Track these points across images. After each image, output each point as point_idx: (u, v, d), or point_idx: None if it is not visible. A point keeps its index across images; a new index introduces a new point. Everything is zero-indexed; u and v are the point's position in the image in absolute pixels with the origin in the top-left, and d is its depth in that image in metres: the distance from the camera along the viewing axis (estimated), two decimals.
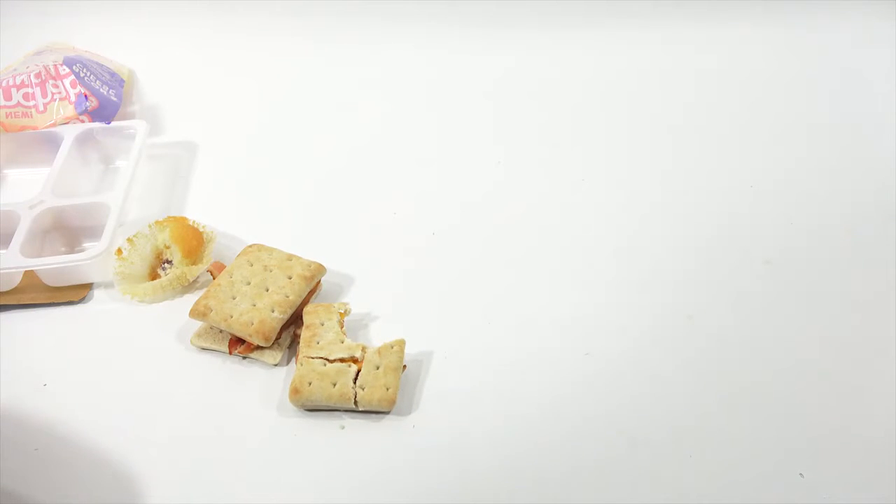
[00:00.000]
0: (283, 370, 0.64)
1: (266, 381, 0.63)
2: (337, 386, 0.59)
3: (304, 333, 0.63)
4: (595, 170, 0.81)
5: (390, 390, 0.59)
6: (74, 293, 0.70)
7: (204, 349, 0.65)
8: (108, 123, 0.83)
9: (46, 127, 0.83)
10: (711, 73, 0.93)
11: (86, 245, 0.75)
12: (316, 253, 0.69)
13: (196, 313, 0.64)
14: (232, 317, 0.63)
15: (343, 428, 0.60)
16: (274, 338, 0.63)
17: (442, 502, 0.55)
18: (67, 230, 0.75)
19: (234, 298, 0.65)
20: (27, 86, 0.84)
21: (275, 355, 0.64)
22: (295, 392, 0.59)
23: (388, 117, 0.90)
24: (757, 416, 0.59)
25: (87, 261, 0.68)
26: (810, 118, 0.86)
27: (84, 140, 0.82)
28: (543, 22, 0.97)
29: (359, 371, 0.60)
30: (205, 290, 0.66)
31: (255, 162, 0.84)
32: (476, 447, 0.58)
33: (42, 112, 0.84)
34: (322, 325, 0.63)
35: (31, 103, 0.83)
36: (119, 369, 0.64)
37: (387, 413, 0.60)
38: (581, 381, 0.62)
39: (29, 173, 0.82)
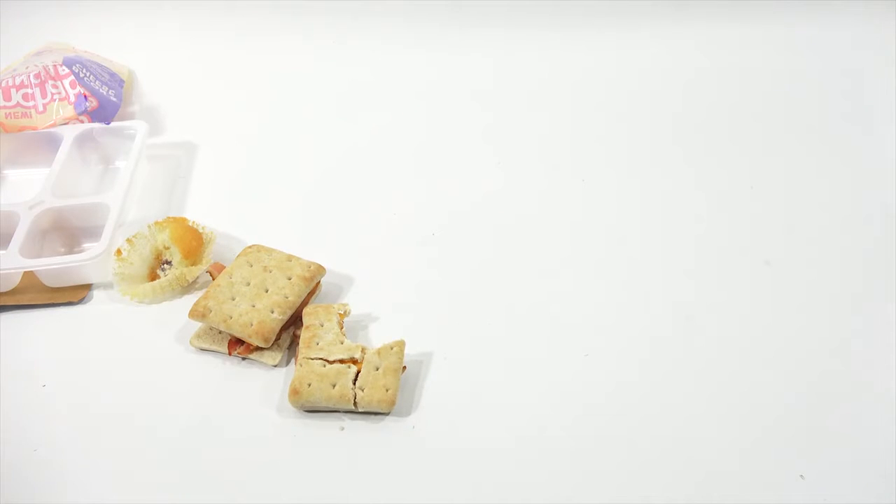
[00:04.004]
0: (282, 371, 0.64)
1: (265, 382, 0.63)
2: (336, 387, 0.59)
3: (304, 334, 0.63)
4: (595, 170, 0.81)
5: (390, 391, 0.59)
6: (74, 294, 0.70)
7: (203, 350, 0.65)
8: (108, 124, 0.83)
9: (46, 127, 0.83)
10: (711, 73, 0.92)
11: (85, 245, 0.75)
12: (316, 253, 0.69)
13: (195, 314, 0.64)
14: (231, 318, 0.63)
15: (343, 429, 0.60)
16: (273, 339, 0.63)
17: (441, 503, 0.55)
18: (67, 230, 0.75)
19: (233, 299, 0.64)
20: (27, 86, 0.83)
21: (274, 356, 0.64)
22: (294, 393, 0.59)
23: (388, 118, 0.90)
24: (757, 417, 0.59)
25: (86, 261, 0.68)
26: (810, 118, 0.86)
27: (84, 140, 0.82)
28: (545, 22, 0.97)
29: (358, 372, 0.60)
30: (204, 290, 0.66)
31: (255, 162, 0.84)
32: (475, 448, 0.58)
33: (42, 112, 0.83)
34: (321, 325, 0.63)
35: (31, 104, 0.83)
36: (118, 370, 0.64)
37: (386, 414, 0.60)
38: (580, 382, 0.62)
39: (28, 173, 0.82)
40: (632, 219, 0.76)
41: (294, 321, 0.66)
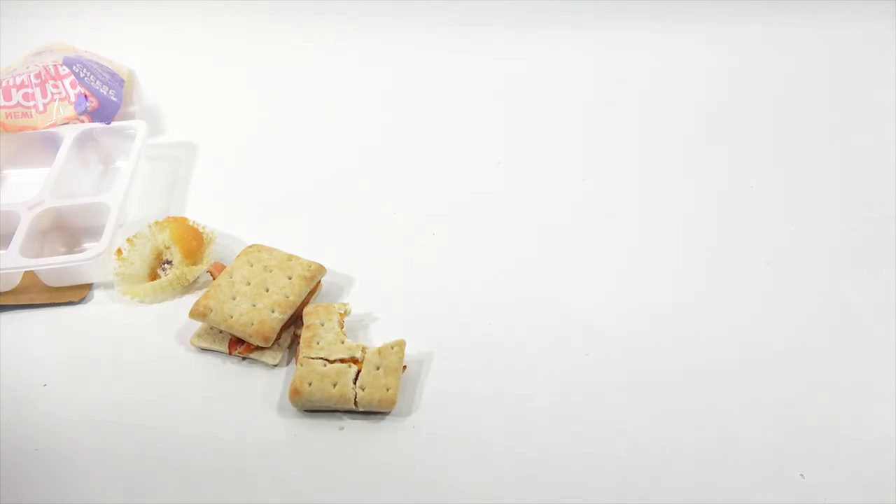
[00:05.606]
0: (283, 371, 0.64)
1: (266, 381, 0.63)
2: (337, 386, 0.59)
3: (304, 334, 0.63)
4: (597, 170, 0.81)
5: (390, 391, 0.59)
6: (74, 293, 0.70)
7: (204, 350, 0.65)
8: (108, 124, 0.83)
9: (46, 127, 0.83)
10: (712, 74, 0.93)
11: (85, 245, 0.75)
12: (316, 253, 0.69)
13: (196, 314, 0.64)
14: (232, 317, 0.63)
15: (343, 429, 0.60)
16: (274, 338, 0.63)
17: (441, 503, 0.55)
18: (67, 230, 0.75)
19: (233, 299, 0.64)
20: (27, 86, 0.84)
21: (275, 356, 0.64)
22: (295, 392, 0.59)
23: (388, 117, 0.90)
24: (757, 417, 0.59)
25: (86, 261, 0.68)
26: (810, 118, 0.86)
27: (84, 140, 0.82)
28: (553, 23, 0.97)
29: (359, 371, 0.60)
30: (205, 290, 0.66)
31: (256, 162, 0.84)
32: (476, 448, 0.58)
33: (42, 112, 0.83)
34: (322, 325, 0.63)
35: (31, 104, 0.83)
36: (119, 370, 0.64)
37: (387, 414, 0.60)
38: (581, 382, 0.62)
39: (29, 173, 0.82)
40: (632, 218, 0.76)
41: (294, 321, 0.66)
